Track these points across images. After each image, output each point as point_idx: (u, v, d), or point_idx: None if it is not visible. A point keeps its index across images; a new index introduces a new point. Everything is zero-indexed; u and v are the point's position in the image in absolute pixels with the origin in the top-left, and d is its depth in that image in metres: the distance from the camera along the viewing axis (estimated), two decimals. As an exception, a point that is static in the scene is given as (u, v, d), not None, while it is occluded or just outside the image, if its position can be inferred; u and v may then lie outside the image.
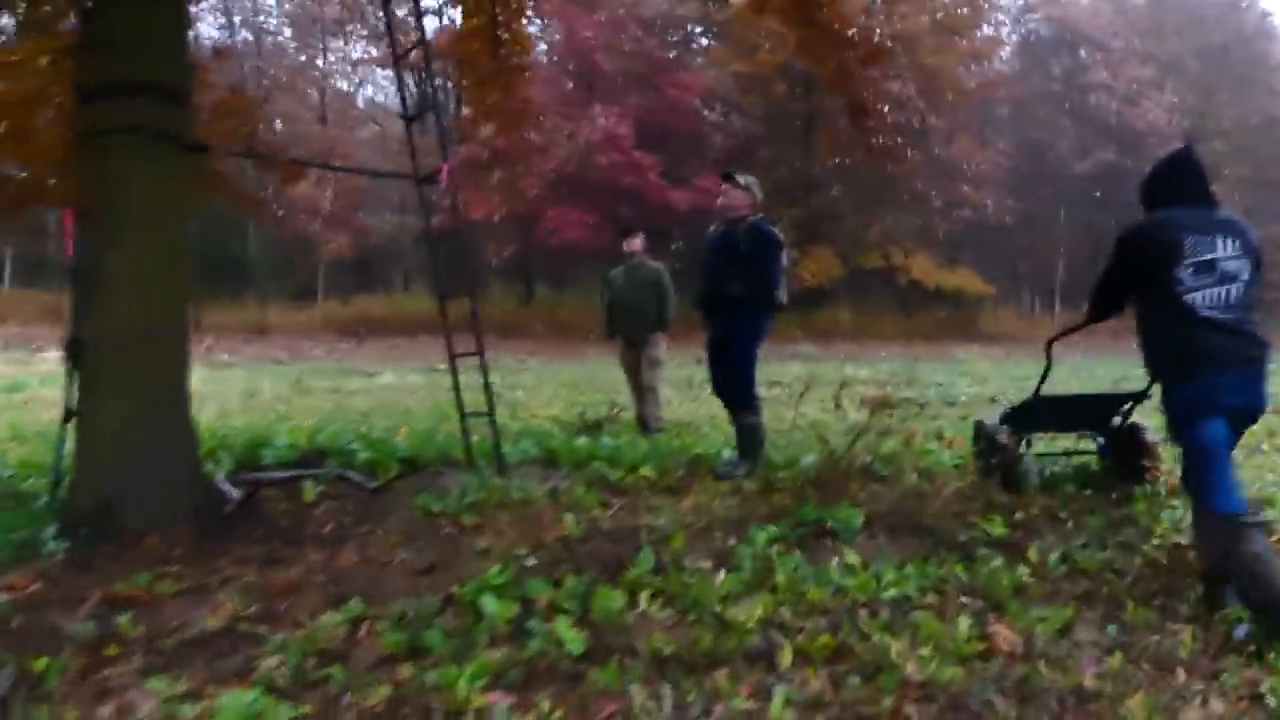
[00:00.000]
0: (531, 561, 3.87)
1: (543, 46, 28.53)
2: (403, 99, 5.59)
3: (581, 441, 6.42)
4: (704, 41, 29.04)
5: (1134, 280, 3.64)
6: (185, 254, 4.60)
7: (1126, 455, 5.20)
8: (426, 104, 5.40)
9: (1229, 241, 3.44)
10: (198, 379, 12.89)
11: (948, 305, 27.57)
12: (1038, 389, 5.29)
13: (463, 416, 5.60)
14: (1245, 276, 3.44)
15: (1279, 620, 3.03)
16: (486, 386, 5.41)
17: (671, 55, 26.78)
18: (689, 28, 27.67)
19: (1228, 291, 3.39)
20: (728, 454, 5.85)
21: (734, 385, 5.74)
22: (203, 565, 3.92)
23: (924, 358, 20.54)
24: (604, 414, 8.06)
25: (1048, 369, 5.15)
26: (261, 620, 3.38)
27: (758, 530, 4.16)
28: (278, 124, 31.10)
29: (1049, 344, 5.08)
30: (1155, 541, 4.17)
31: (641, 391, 8.09)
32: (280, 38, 32.90)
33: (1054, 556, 3.97)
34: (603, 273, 8.82)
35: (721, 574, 3.70)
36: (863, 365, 17.47)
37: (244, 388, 12.42)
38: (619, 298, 8.15)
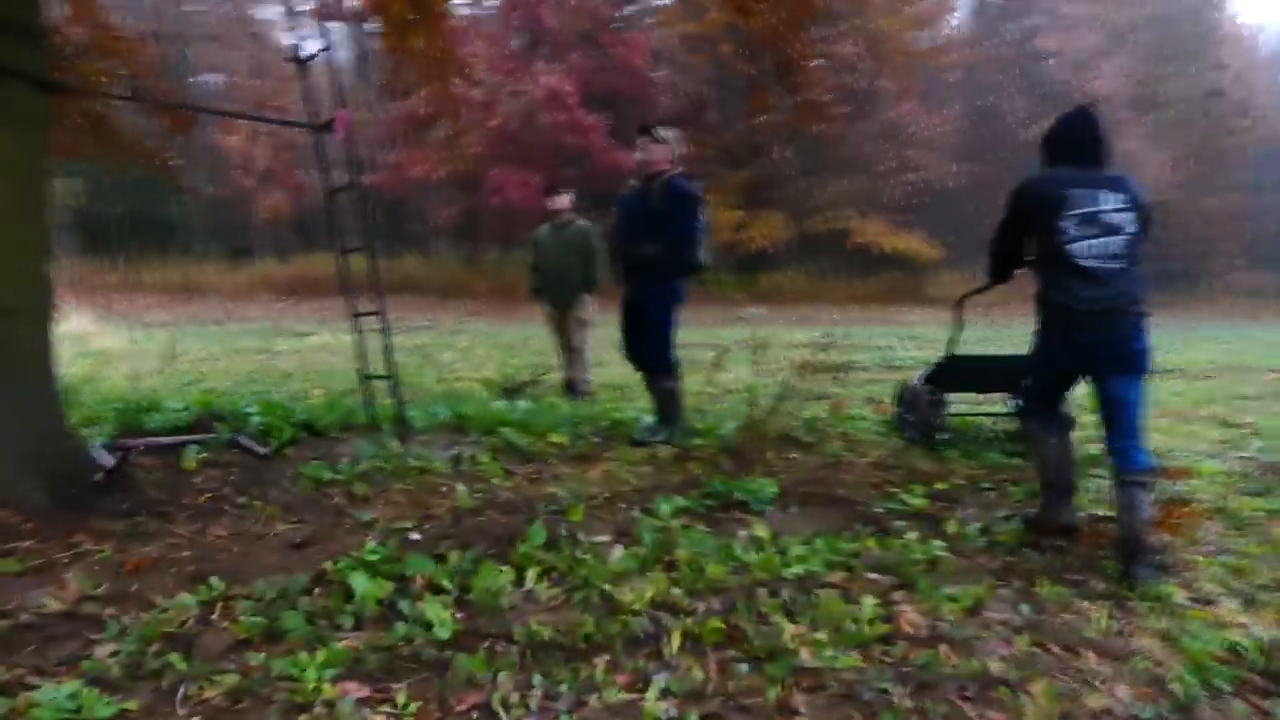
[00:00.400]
0: (416, 535, 3.59)
1: (491, 1, 27.84)
2: (294, 42, 5.17)
3: (498, 405, 6.13)
4: (653, 0, 28.45)
5: (1023, 233, 3.73)
6: (43, 209, 4.15)
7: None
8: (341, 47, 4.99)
9: (1113, 196, 3.51)
10: (120, 340, 12.36)
11: (897, 269, 27.45)
12: (948, 349, 5.31)
13: (365, 380, 5.28)
14: (1130, 230, 3.50)
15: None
16: (387, 348, 5.09)
17: (619, 14, 26.15)
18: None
19: (1110, 243, 3.47)
20: (648, 420, 5.59)
21: (650, 350, 5.44)
22: (56, 541, 3.57)
23: (871, 322, 20.47)
24: (528, 377, 7.75)
25: (957, 328, 5.16)
26: (109, 601, 3.07)
27: (664, 502, 3.92)
28: (210, 77, 30.03)
29: (958, 303, 5.15)
30: (1077, 513, 4.01)
31: (569, 354, 7.82)
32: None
33: (972, 529, 3.79)
34: (529, 232, 8.49)
35: (618, 550, 3.46)
36: (809, 329, 17.31)
37: (168, 349, 11.90)
38: (545, 257, 7.85)
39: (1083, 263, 3.46)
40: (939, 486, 4.33)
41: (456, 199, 26.12)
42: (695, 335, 15.49)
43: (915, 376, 5.59)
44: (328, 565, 3.28)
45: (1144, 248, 3.56)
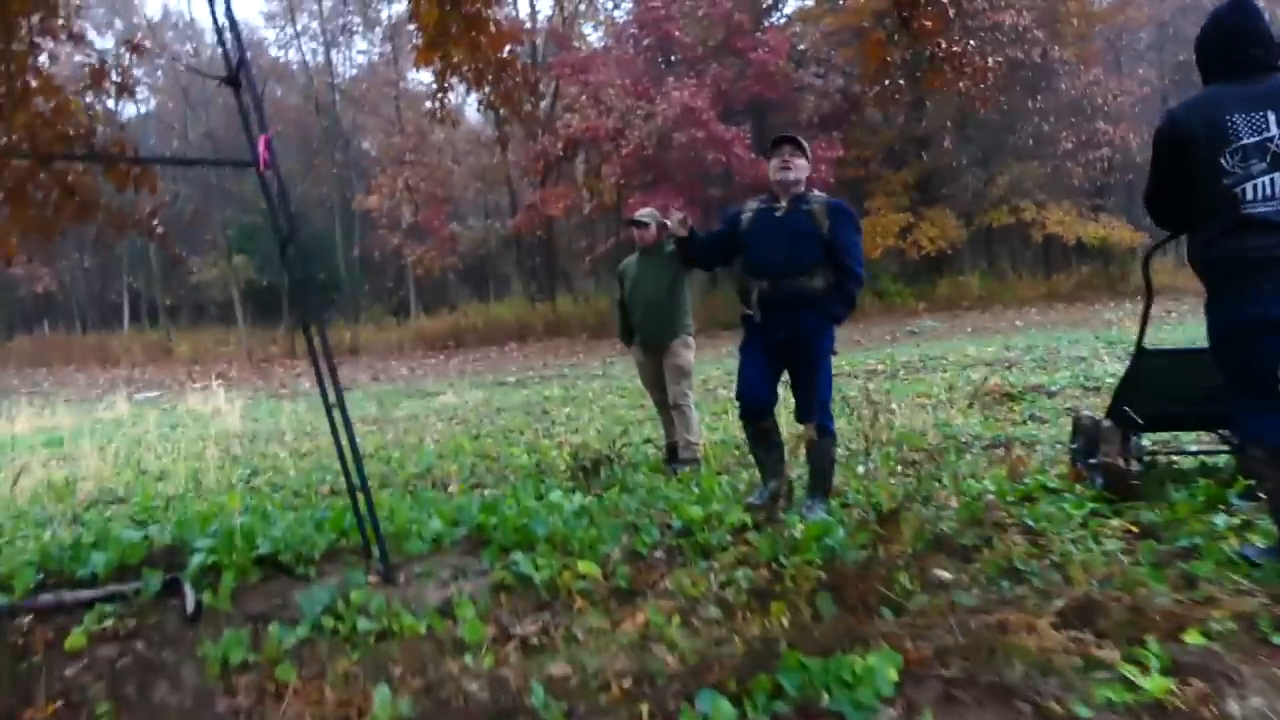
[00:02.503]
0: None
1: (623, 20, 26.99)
2: (226, 58, 3.98)
3: (554, 498, 4.69)
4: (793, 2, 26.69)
5: (1177, 176, 3.00)
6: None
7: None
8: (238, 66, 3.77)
9: None
10: (238, 417, 11.86)
11: (1093, 260, 24.24)
12: (1140, 334, 4.12)
13: (353, 493, 3.94)
14: None
15: None
16: (352, 445, 3.74)
17: (759, 18, 24.48)
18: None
19: None
20: (809, 503, 4.36)
21: (816, 404, 4.40)
22: None
23: (1064, 324, 17.78)
24: (611, 448, 6.29)
25: (1150, 298, 4.05)
26: None
27: (697, 707, 2.34)
28: (365, 144, 30.68)
29: (1145, 261, 4.07)
30: None
31: (668, 412, 6.34)
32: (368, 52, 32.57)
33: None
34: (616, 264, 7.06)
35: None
36: (990, 340, 15.01)
37: (282, 425, 11.28)
38: (634, 293, 6.40)
39: (1250, 208, 2.79)
40: (1189, 639, 2.53)
41: (604, 234, 25.24)
42: (857, 356, 13.63)
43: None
44: None
45: None
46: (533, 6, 27.35)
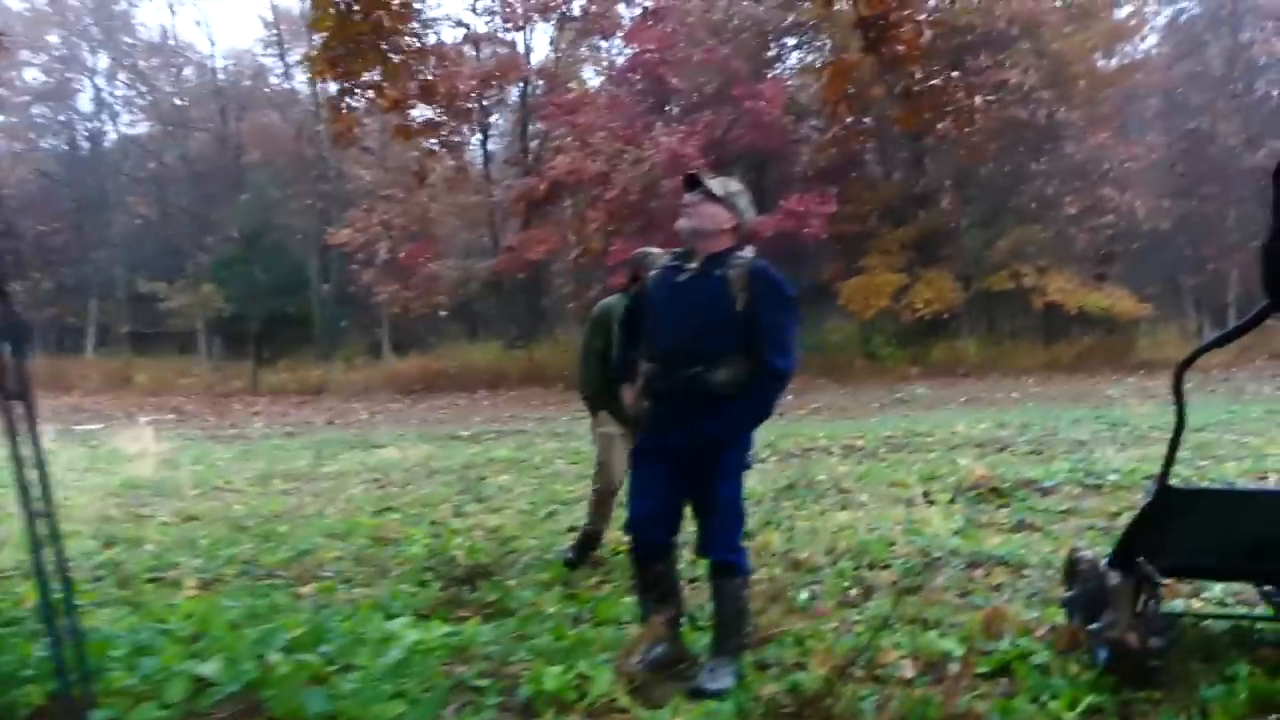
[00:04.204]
0: None
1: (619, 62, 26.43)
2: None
3: (399, 624, 3.61)
4: (794, 51, 26.03)
5: None
6: None
7: None
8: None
9: None
10: (152, 463, 10.76)
11: (1095, 330, 23.34)
12: (1167, 461, 3.01)
13: (48, 609, 2.82)
14: None
15: None
16: (59, 566, 2.67)
17: (754, 66, 23.78)
18: (772, 37, 24.62)
19: None
20: (709, 668, 3.20)
21: (723, 532, 3.28)
22: None
23: (1066, 398, 16.71)
24: (498, 556, 5.18)
25: (1181, 419, 2.95)
26: None
27: None
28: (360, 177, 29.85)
29: (1178, 374, 3.00)
30: None
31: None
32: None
33: None
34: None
35: None
36: (983, 415, 13.96)
37: (193, 477, 10.17)
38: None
39: None
40: None
41: (589, 280, 24.33)
42: (840, 427, 12.63)
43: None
44: None
45: None
46: (528, 46, 26.61)
